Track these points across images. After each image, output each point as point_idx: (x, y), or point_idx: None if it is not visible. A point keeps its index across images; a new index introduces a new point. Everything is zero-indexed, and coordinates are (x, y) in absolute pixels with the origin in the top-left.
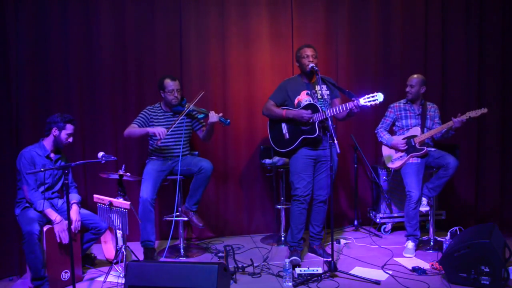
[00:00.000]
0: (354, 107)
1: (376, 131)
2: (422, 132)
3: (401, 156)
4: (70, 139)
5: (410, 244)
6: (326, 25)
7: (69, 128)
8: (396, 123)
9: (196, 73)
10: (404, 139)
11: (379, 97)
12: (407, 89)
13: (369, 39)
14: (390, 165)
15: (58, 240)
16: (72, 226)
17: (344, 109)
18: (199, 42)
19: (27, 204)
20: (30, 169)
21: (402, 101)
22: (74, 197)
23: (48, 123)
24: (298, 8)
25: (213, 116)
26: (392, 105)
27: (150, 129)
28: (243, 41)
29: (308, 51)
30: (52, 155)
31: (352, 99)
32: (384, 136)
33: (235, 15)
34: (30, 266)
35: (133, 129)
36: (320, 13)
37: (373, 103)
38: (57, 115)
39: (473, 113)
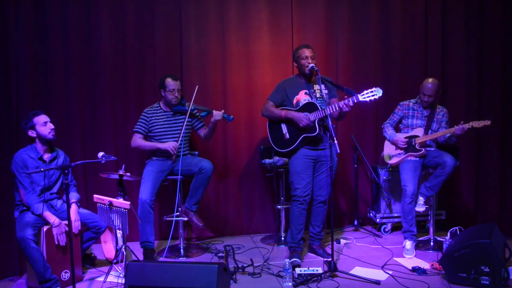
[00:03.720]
0: (344, 106)
1: (382, 126)
2: (426, 133)
3: (399, 154)
4: (50, 125)
5: (408, 244)
6: (326, 25)
7: (39, 119)
8: (403, 121)
9: (196, 73)
10: (406, 137)
11: (378, 92)
12: (426, 98)
13: (369, 39)
14: (388, 161)
15: (56, 243)
16: (73, 226)
17: (340, 106)
18: (199, 41)
19: (24, 208)
20: (23, 172)
21: (412, 100)
22: (73, 196)
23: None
24: (298, 8)
25: (217, 114)
26: (401, 103)
27: (161, 145)
28: (243, 40)
29: (307, 52)
30: (46, 155)
31: (347, 95)
32: (388, 131)
33: (235, 13)
34: (34, 270)
35: (142, 142)
36: (320, 13)
37: (372, 98)
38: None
39: (476, 123)
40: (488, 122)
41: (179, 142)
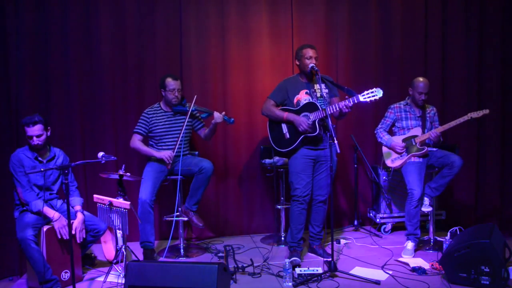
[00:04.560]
0: (344, 107)
1: (375, 132)
2: (423, 132)
3: (401, 156)
4: (35, 140)
5: (409, 245)
6: (326, 25)
7: (27, 130)
8: (396, 124)
9: (196, 72)
10: (404, 139)
11: (378, 92)
12: (423, 97)
13: (369, 39)
14: (390, 164)
15: (59, 237)
16: (77, 236)
17: (340, 107)
18: (199, 42)
19: (24, 208)
20: (20, 171)
21: (402, 102)
22: (77, 201)
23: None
24: (298, 8)
25: (218, 117)
26: (392, 106)
27: (157, 154)
28: (243, 41)
29: (311, 52)
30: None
31: (347, 96)
32: (384, 137)
33: (235, 14)
34: (34, 271)
35: (140, 145)
36: (320, 13)
37: (372, 99)
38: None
39: (474, 114)
40: (486, 111)
41: (178, 143)
